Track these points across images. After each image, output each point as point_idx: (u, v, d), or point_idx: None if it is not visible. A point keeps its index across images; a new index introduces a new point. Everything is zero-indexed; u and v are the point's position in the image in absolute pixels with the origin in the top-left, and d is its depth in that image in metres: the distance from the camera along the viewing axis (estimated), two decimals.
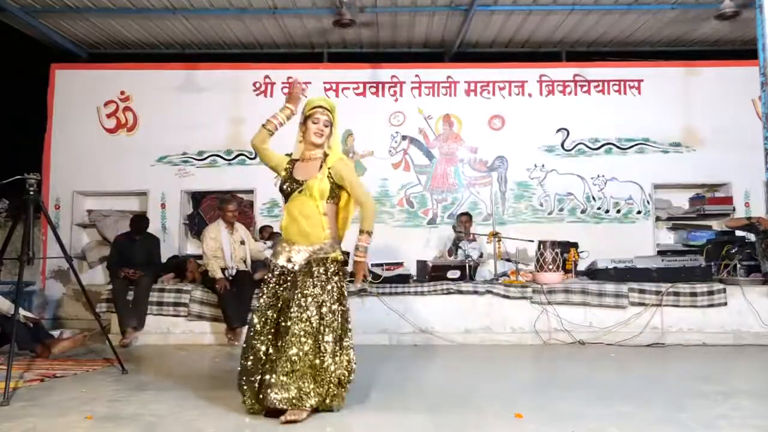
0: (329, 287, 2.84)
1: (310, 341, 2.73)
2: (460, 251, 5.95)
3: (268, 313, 2.85)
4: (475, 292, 5.08)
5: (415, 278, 5.50)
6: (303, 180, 2.93)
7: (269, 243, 5.76)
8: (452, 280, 5.16)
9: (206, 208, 6.77)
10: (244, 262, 5.39)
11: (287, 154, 3.08)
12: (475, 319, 5.07)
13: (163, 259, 5.89)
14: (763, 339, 4.87)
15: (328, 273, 2.86)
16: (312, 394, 2.70)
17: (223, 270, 5.19)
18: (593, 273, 5.34)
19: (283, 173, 3.02)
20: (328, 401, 2.76)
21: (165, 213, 6.84)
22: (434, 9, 6.33)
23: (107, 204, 6.98)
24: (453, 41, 7.05)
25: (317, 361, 2.73)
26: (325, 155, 3.01)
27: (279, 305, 2.85)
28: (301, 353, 2.70)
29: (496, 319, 5.07)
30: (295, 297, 2.79)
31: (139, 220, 5.69)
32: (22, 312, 4.08)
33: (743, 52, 7.06)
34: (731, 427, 2.57)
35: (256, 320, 2.86)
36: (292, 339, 2.71)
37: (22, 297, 5.08)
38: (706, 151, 6.89)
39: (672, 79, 7.00)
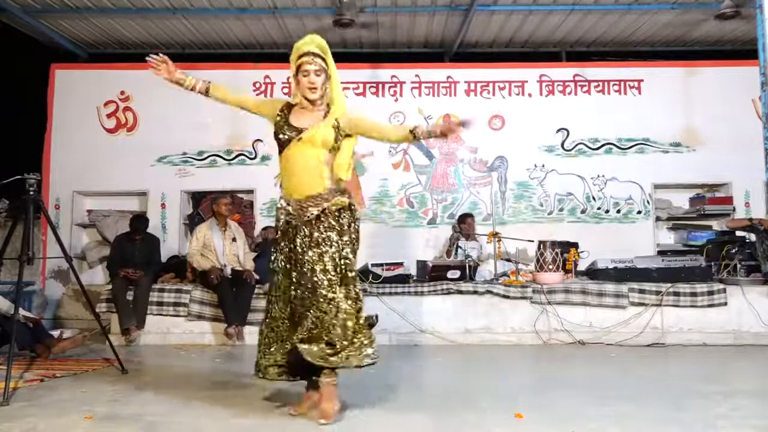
0: (335, 236, 2.66)
1: (326, 294, 2.59)
2: (459, 251, 5.94)
3: (281, 275, 2.72)
4: (475, 292, 5.08)
5: (415, 278, 5.49)
6: (302, 128, 2.69)
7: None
8: (452, 280, 5.15)
9: (206, 208, 6.76)
10: (238, 260, 5.38)
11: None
12: (475, 319, 5.07)
13: (163, 259, 5.90)
14: (763, 339, 4.87)
15: (333, 221, 2.67)
16: (338, 347, 2.55)
17: (218, 269, 5.20)
18: (593, 273, 5.34)
19: (277, 119, 2.75)
20: (351, 357, 2.59)
21: (165, 213, 6.84)
22: (434, 9, 6.33)
23: (107, 204, 6.98)
24: (453, 41, 7.05)
25: (332, 317, 2.58)
26: (328, 106, 2.78)
27: (290, 264, 2.70)
28: (318, 312, 2.57)
29: (496, 319, 5.07)
30: (304, 253, 2.63)
31: (139, 220, 5.69)
32: (22, 312, 4.08)
33: (743, 52, 7.05)
34: (731, 427, 2.57)
35: (273, 282, 2.76)
36: (309, 296, 2.59)
37: (22, 297, 5.08)
38: (706, 151, 6.89)
39: (672, 79, 7.00)
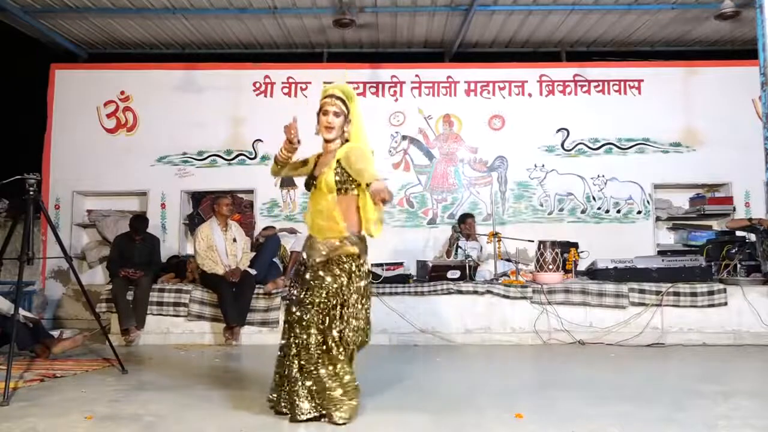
0: (338, 285, 2.72)
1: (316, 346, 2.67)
2: (459, 251, 5.94)
3: (293, 309, 2.78)
4: (475, 292, 5.08)
5: (415, 278, 5.49)
6: (319, 174, 2.83)
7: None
8: (452, 280, 5.15)
9: (206, 208, 6.76)
10: (237, 260, 5.38)
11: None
12: (475, 319, 5.07)
13: (163, 259, 5.89)
14: (763, 339, 4.87)
15: (340, 269, 2.73)
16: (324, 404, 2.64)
17: (236, 269, 5.22)
18: (593, 273, 5.34)
19: (310, 170, 2.93)
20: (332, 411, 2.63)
21: (165, 213, 6.84)
22: (434, 9, 6.33)
23: (107, 204, 6.98)
24: (453, 41, 7.04)
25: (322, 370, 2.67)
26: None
27: (297, 298, 2.78)
28: (310, 365, 2.66)
29: (496, 319, 5.07)
30: (307, 297, 2.71)
31: (139, 220, 5.69)
32: (22, 312, 4.08)
33: (743, 52, 7.06)
34: (731, 427, 2.57)
35: (287, 317, 2.80)
36: (307, 349, 2.67)
37: (22, 297, 5.08)
38: (706, 151, 6.89)
39: (672, 79, 7.00)
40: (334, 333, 2.69)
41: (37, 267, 6.61)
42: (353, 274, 2.76)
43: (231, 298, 5.03)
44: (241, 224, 5.90)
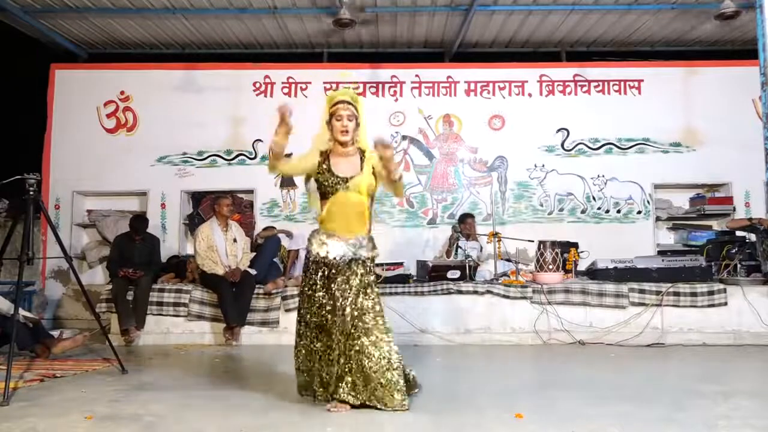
0: (365, 284, 2.91)
1: (361, 337, 2.82)
2: (459, 251, 5.94)
3: (314, 308, 2.91)
4: (475, 292, 5.08)
5: (415, 278, 5.49)
6: (347, 177, 2.93)
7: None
8: (452, 280, 5.15)
9: (206, 208, 6.76)
10: (237, 261, 5.37)
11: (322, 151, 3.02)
12: (475, 319, 5.07)
13: (163, 259, 5.89)
14: (763, 339, 4.87)
15: (366, 270, 2.93)
16: (361, 389, 2.81)
17: (236, 269, 5.21)
18: (593, 273, 5.34)
19: (318, 168, 2.97)
20: (377, 399, 2.80)
21: (165, 213, 6.84)
22: (434, 9, 6.33)
23: (107, 204, 6.98)
24: (453, 41, 7.05)
25: (365, 360, 2.81)
26: (362, 150, 3.02)
27: (323, 299, 2.90)
28: (353, 351, 2.81)
29: (496, 319, 5.07)
30: (341, 292, 2.86)
31: (139, 220, 5.69)
32: (21, 312, 4.08)
33: (743, 52, 7.06)
34: (731, 427, 2.56)
35: (302, 315, 2.95)
36: (344, 335, 2.82)
37: (22, 297, 5.08)
38: (706, 151, 6.89)
39: (672, 79, 7.00)
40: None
41: (37, 267, 6.61)
42: (371, 270, 2.97)
43: (231, 298, 5.03)
44: (241, 224, 5.90)
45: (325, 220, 2.96)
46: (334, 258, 2.90)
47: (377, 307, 2.89)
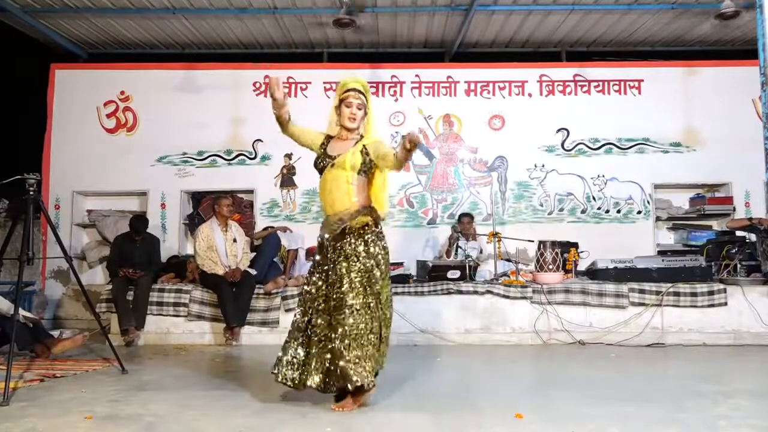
0: (361, 250, 2.91)
1: (361, 311, 2.84)
2: (459, 251, 5.95)
3: (316, 287, 2.98)
4: (475, 292, 5.08)
5: (415, 278, 5.49)
6: (336, 155, 2.98)
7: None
8: (452, 280, 5.16)
9: (206, 208, 6.76)
10: (237, 261, 5.37)
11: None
12: (475, 319, 5.07)
13: (163, 259, 5.89)
14: (763, 339, 4.87)
15: (357, 237, 2.93)
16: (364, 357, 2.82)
17: (236, 269, 5.21)
18: (593, 273, 5.34)
19: (319, 150, 3.06)
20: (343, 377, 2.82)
21: (165, 213, 6.84)
22: (434, 9, 6.33)
23: (107, 204, 6.98)
24: (453, 41, 7.04)
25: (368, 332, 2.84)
26: (362, 137, 3.06)
27: (324, 278, 2.97)
28: (354, 325, 2.81)
29: (496, 319, 5.07)
30: (336, 268, 2.90)
31: (139, 220, 5.69)
32: (21, 312, 4.08)
33: (743, 52, 7.05)
34: (731, 427, 2.57)
35: (305, 293, 3.01)
36: (345, 311, 2.83)
37: (22, 297, 5.08)
38: (706, 151, 6.89)
39: (672, 79, 7.00)
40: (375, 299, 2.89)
41: (37, 267, 6.61)
42: (370, 241, 2.94)
43: (231, 298, 5.03)
44: (241, 224, 5.89)
45: (321, 202, 3.07)
46: (319, 238, 3.03)
47: (367, 274, 2.88)
